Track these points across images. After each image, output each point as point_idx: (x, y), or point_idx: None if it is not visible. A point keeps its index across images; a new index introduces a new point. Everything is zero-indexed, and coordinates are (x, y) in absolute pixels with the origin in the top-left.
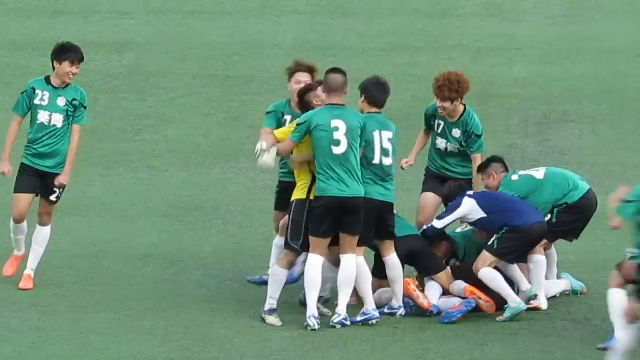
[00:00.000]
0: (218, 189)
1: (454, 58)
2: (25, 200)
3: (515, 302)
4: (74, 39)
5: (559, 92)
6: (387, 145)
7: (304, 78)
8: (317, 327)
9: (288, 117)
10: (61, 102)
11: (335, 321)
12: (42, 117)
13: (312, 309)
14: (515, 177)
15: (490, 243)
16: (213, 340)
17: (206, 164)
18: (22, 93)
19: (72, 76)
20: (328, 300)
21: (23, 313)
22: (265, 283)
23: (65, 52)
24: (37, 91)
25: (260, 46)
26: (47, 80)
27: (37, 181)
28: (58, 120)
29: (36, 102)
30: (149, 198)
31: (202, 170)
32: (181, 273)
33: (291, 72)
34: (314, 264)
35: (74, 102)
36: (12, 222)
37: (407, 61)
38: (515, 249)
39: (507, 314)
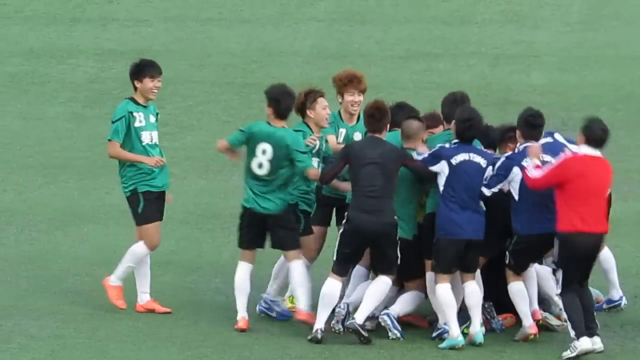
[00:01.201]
0: (236, 196)
1: (472, 65)
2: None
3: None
4: (92, 46)
5: (577, 99)
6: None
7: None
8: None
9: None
10: (152, 119)
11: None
12: (146, 137)
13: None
14: None
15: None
16: (232, 348)
17: (224, 171)
18: (119, 120)
19: (155, 91)
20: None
21: (42, 321)
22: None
23: (143, 69)
24: (135, 114)
25: (278, 53)
26: (134, 101)
27: None
28: (156, 137)
29: (136, 125)
30: (167, 205)
31: (221, 177)
32: (200, 280)
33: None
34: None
35: (157, 116)
36: (144, 251)
37: (425, 68)
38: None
39: (445, 343)
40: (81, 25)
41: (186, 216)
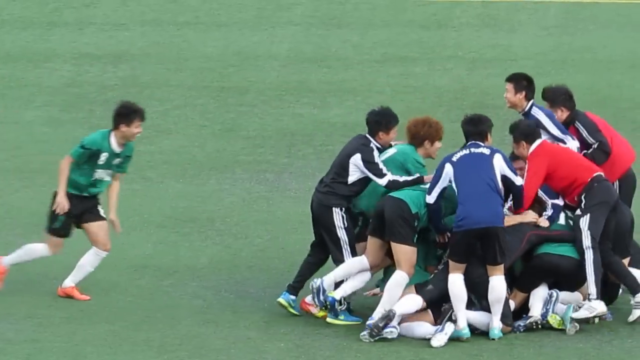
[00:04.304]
0: (213, 200)
1: (449, 69)
2: None
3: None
4: (69, 50)
5: None
6: None
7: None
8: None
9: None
10: (117, 160)
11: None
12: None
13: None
14: None
15: None
16: (209, 352)
17: (201, 175)
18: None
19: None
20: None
21: (18, 325)
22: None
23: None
24: (102, 154)
25: (255, 57)
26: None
27: None
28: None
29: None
30: (144, 209)
31: (198, 181)
32: (177, 284)
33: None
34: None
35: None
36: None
37: (401, 72)
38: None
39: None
40: (58, 29)
41: (163, 220)
